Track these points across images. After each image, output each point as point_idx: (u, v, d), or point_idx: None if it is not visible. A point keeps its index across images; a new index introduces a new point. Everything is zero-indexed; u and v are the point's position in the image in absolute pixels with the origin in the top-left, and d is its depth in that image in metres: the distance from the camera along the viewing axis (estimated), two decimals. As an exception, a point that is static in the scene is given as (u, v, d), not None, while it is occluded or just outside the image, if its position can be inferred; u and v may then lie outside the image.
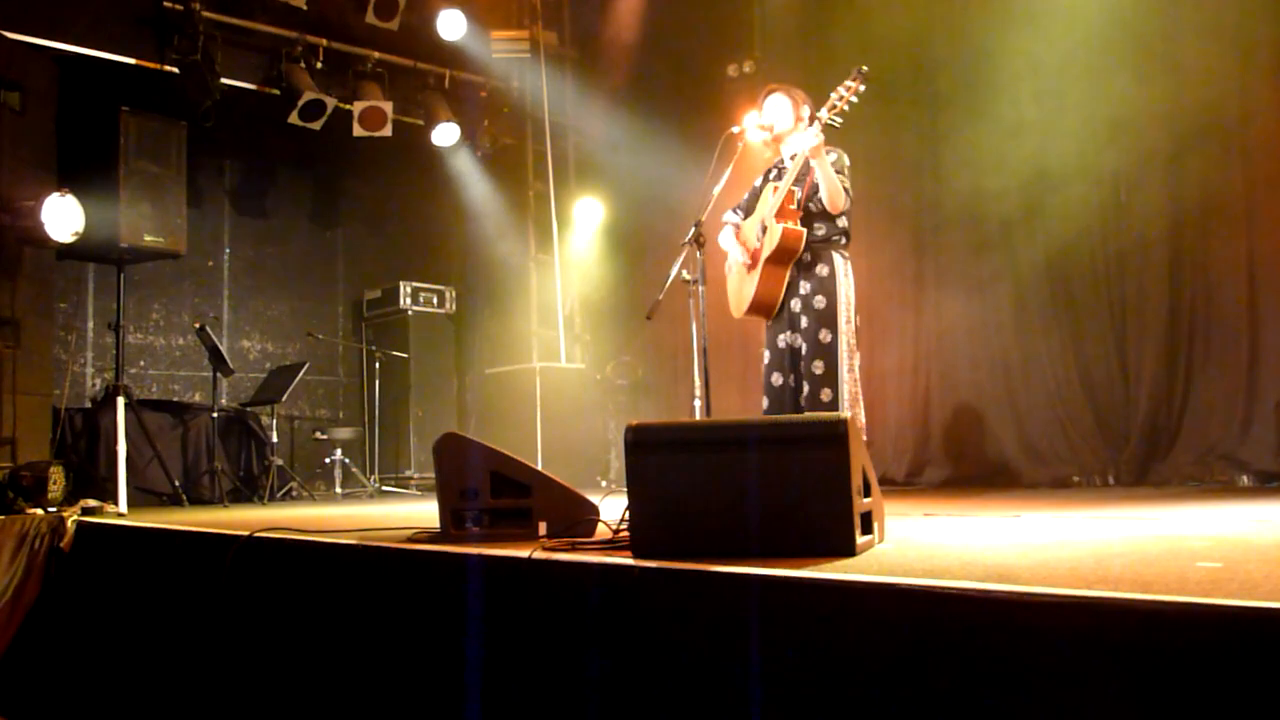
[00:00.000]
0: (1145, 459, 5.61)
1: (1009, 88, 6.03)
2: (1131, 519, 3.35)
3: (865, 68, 4.19)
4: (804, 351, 4.34)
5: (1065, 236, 6.03)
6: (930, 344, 6.69)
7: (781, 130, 4.53)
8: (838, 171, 4.35)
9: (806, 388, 4.30)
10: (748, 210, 4.68)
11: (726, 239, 4.64)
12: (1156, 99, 5.53)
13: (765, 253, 4.37)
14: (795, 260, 4.41)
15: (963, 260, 6.55)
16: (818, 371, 4.29)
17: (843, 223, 4.44)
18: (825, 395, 4.27)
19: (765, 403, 4.53)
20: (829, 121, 4.22)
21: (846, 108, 4.22)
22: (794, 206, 4.37)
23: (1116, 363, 5.83)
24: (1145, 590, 1.65)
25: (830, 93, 4.25)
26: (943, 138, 6.60)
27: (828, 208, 4.33)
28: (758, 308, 4.48)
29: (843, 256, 4.43)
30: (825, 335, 4.32)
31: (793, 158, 4.53)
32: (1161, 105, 5.51)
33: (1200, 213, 5.54)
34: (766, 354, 4.55)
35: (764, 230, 4.41)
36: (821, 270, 4.38)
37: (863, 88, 4.20)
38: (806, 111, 4.54)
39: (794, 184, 4.41)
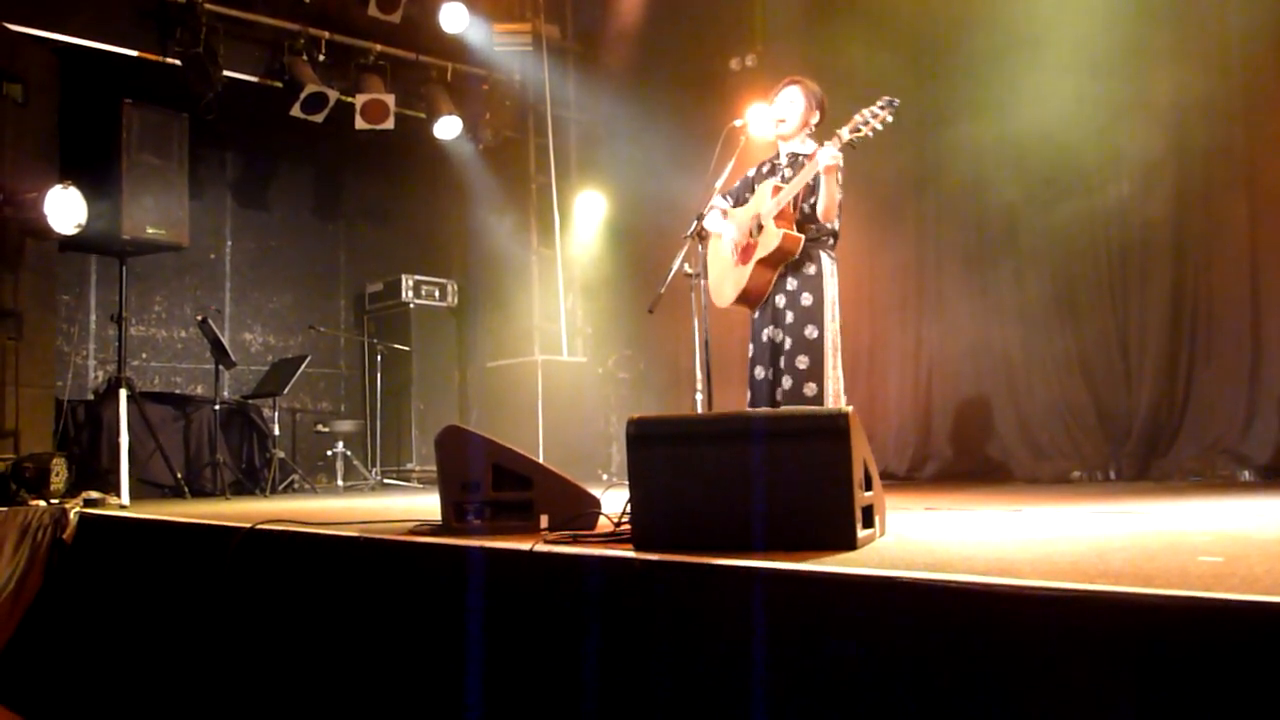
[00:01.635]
0: (1147, 454, 5.61)
1: (1013, 84, 6.02)
2: (1133, 514, 3.35)
3: (897, 100, 4.10)
4: (788, 346, 4.33)
5: (1068, 230, 6.02)
6: (932, 338, 6.69)
7: (786, 130, 4.49)
8: None
9: (789, 382, 4.30)
10: (737, 198, 4.64)
11: (715, 222, 4.60)
12: (1160, 95, 5.51)
13: (760, 253, 4.35)
14: None
15: (965, 255, 6.55)
16: (802, 366, 4.29)
17: (832, 224, 4.43)
18: (810, 390, 4.27)
19: (748, 395, 4.53)
20: (849, 142, 4.15)
21: (871, 135, 4.11)
22: (792, 210, 4.36)
23: (1118, 357, 5.83)
24: (1147, 584, 1.65)
25: (856, 113, 4.13)
26: (946, 133, 6.58)
27: (819, 217, 4.32)
28: (744, 300, 4.49)
29: (830, 257, 4.42)
30: (811, 331, 4.31)
31: (792, 156, 4.50)
32: (1165, 101, 5.50)
33: (1203, 207, 5.54)
34: (751, 347, 4.55)
35: (759, 229, 4.39)
36: (809, 269, 4.37)
37: (890, 119, 4.09)
38: (817, 117, 4.50)
39: (786, 182, 4.39)
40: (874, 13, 6.71)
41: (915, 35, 6.71)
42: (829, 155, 4.12)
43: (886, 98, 4.10)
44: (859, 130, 4.12)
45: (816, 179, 4.27)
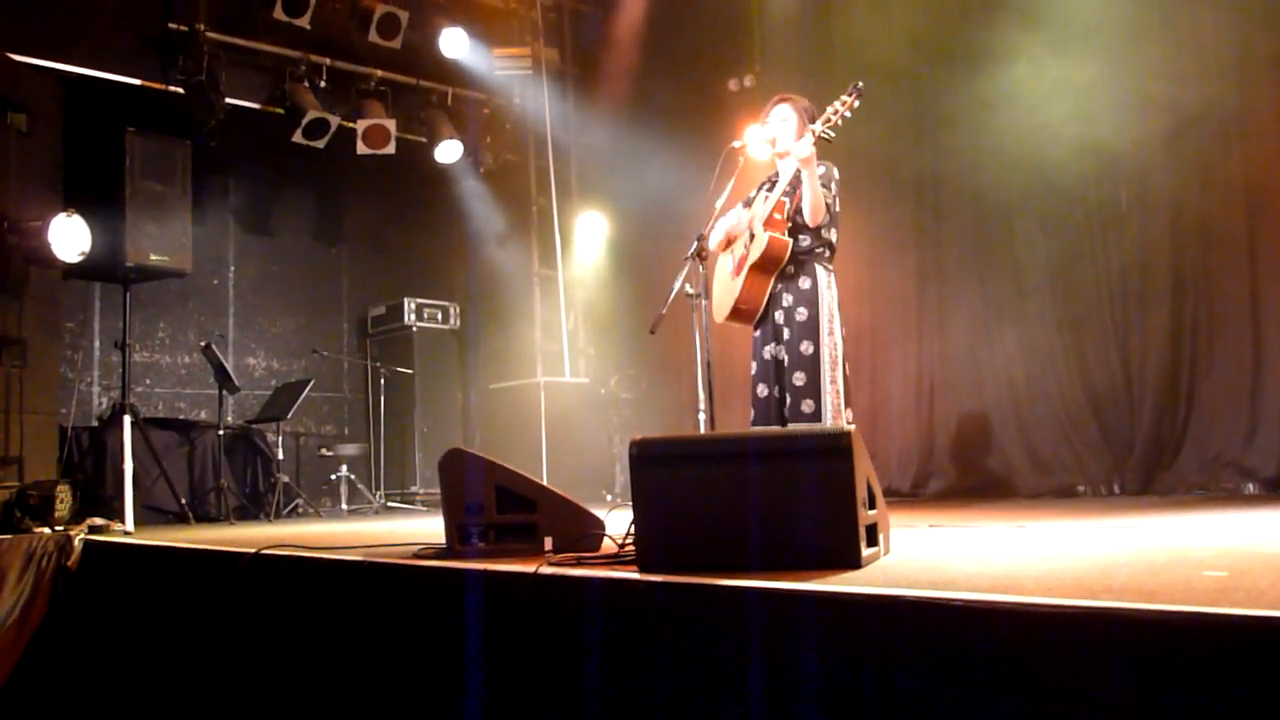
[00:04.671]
0: (1150, 468, 5.60)
1: (1008, 101, 6.05)
2: (1137, 528, 3.35)
3: (861, 84, 4.17)
4: (786, 363, 4.34)
5: (1068, 246, 6.04)
6: (934, 355, 6.69)
7: (784, 145, 4.52)
8: (824, 185, 4.35)
9: (790, 398, 4.30)
10: None
11: (718, 238, 4.63)
12: (1157, 107, 5.54)
13: (750, 260, 4.37)
14: (779, 270, 4.41)
15: (965, 271, 6.57)
16: (799, 383, 4.29)
17: (827, 235, 4.45)
18: (807, 406, 4.26)
19: (752, 414, 4.53)
20: (822, 134, 4.22)
21: (840, 122, 4.19)
22: (781, 216, 4.37)
23: (1120, 371, 5.83)
24: (1151, 600, 1.65)
25: (827, 106, 4.24)
26: (943, 150, 6.61)
27: (807, 220, 4.34)
28: (738, 314, 4.49)
29: (826, 269, 4.43)
30: (807, 347, 4.31)
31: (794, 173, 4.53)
32: (1163, 114, 5.53)
33: (1202, 220, 5.56)
34: (754, 365, 4.56)
35: (751, 237, 4.42)
36: (804, 283, 4.38)
37: (857, 103, 4.17)
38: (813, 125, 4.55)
39: (783, 194, 4.42)
40: (870, 31, 6.75)
41: (912, 56, 6.75)
42: (804, 147, 4.18)
43: (853, 84, 4.17)
44: (830, 120, 4.18)
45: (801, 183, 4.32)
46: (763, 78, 7.61)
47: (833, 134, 4.23)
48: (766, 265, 4.36)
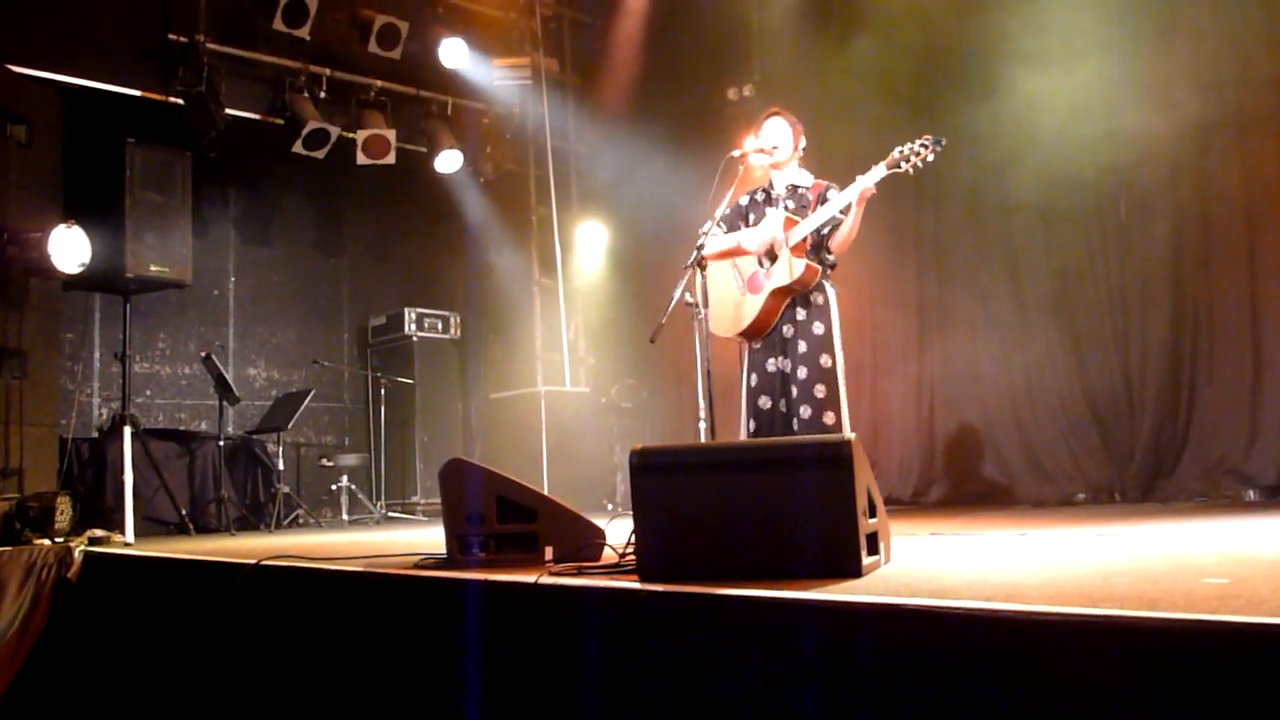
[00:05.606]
0: (1151, 475, 5.60)
1: (1008, 114, 6.07)
2: (1138, 536, 3.35)
3: (944, 140, 4.08)
4: (802, 376, 4.33)
5: (1068, 255, 6.05)
6: (935, 363, 6.69)
7: (780, 157, 4.51)
8: (841, 210, 4.33)
9: (808, 411, 4.29)
10: (730, 226, 4.63)
11: (721, 242, 4.57)
12: (1158, 117, 5.55)
13: (777, 283, 4.34)
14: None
15: (966, 279, 6.57)
16: (820, 395, 4.29)
17: (831, 257, 4.46)
18: (829, 418, 4.27)
19: (753, 425, 4.51)
20: (887, 173, 4.15)
21: (912, 171, 4.12)
22: (806, 242, 4.37)
23: (1121, 379, 5.83)
24: (1152, 608, 1.65)
25: (898, 146, 4.12)
26: (943, 162, 6.59)
27: (835, 246, 4.35)
28: (751, 331, 4.49)
29: (831, 285, 4.45)
30: (826, 360, 4.32)
31: (790, 187, 4.51)
32: (1163, 123, 5.53)
33: (1202, 229, 5.56)
34: (754, 377, 4.54)
35: (773, 259, 4.38)
36: (818, 299, 4.41)
37: (931, 158, 4.09)
38: (803, 143, 4.54)
39: (796, 213, 4.40)
40: (869, 41, 6.76)
41: (909, 69, 6.76)
42: (870, 185, 4.13)
43: (932, 136, 4.09)
44: (898, 166, 4.11)
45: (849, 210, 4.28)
46: (762, 87, 7.63)
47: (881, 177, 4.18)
48: (793, 289, 4.37)
